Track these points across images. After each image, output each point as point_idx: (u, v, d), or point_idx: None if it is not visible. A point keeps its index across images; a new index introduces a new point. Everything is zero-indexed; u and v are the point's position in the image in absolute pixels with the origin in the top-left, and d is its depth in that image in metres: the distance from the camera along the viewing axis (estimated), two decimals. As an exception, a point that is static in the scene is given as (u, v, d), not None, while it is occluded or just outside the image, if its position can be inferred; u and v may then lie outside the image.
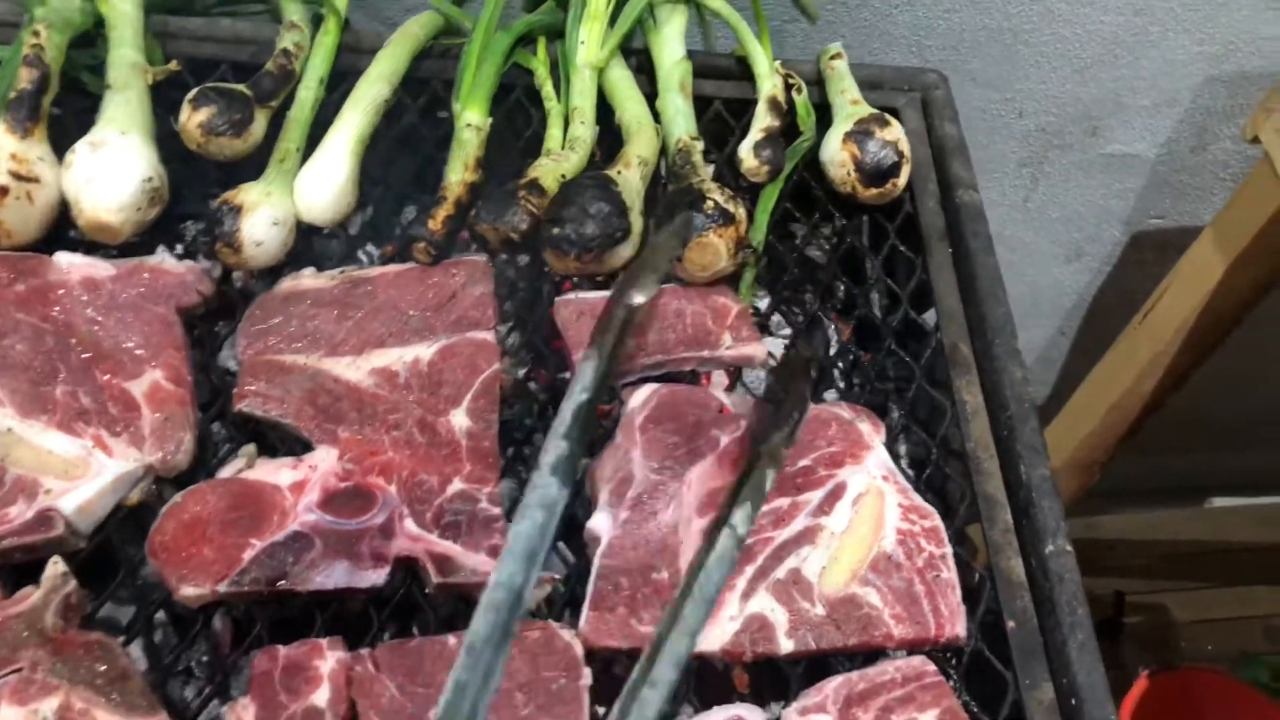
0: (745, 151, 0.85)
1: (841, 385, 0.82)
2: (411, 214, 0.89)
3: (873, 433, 0.73)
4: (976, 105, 1.23)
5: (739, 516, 0.57)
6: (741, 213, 0.77)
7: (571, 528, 0.72)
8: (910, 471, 0.75)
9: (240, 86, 0.82)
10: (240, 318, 0.76)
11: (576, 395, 0.59)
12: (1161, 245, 1.45)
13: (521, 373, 0.82)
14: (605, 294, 0.79)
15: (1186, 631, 1.74)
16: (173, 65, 0.85)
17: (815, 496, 0.70)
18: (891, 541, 0.68)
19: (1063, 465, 1.51)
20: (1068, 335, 1.63)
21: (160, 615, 0.68)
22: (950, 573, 0.67)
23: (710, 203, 0.76)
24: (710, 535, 0.56)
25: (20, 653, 0.60)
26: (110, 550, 0.68)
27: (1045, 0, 1.14)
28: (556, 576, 0.67)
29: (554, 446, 0.57)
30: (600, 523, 0.68)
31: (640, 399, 0.74)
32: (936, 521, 0.69)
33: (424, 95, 0.90)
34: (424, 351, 0.75)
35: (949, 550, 0.68)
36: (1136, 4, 1.15)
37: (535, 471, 0.56)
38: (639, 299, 0.67)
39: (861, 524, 0.69)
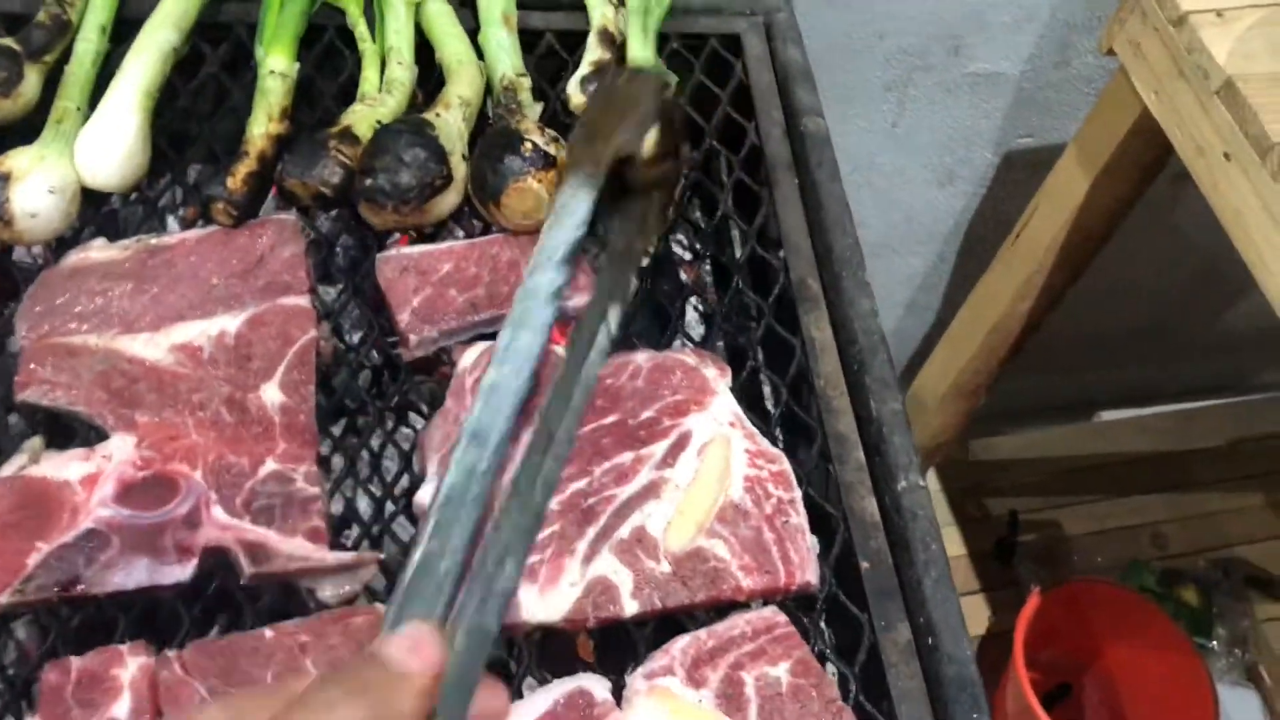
0: (573, 88, 0.80)
1: (694, 330, 0.79)
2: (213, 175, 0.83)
3: (719, 377, 0.70)
4: (835, 29, 1.19)
5: (614, 315, 0.46)
6: (559, 155, 0.72)
7: (410, 501, 0.68)
8: (767, 413, 0.72)
9: (8, 40, 0.74)
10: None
11: (569, 228, 0.46)
12: (1032, 164, 1.44)
13: (357, 338, 0.77)
14: (432, 247, 0.74)
15: (1079, 544, 1.77)
16: None
17: (659, 449, 0.66)
18: (739, 490, 0.65)
19: (947, 390, 1.50)
20: (948, 261, 1.62)
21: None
22: (800, 517, 0.64)
23: (528, 145, 0.71)
24: (583, 331, 0.45)
25: None
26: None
27: (896, -86, 1.11)
28: (381, 557, 0.62)
29: (548, 274, 0.44)
30: (427, 494, 0.64)
31: (471, 359, 0.69)
32: (785, 465, 0.66)
33: (226, 43, 0.83)
34: (230, 323, 0.69)
35: (798, 494, 0.65)
36: (990, -85, 1.12)
37: (527, 297, 0.44)
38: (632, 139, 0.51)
39: (707, 474, 0.65)
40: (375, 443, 0.71)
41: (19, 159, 0.69)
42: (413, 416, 0.78)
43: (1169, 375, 1.98)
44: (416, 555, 0.36)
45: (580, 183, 0.48)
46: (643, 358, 0.70)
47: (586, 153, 0.49)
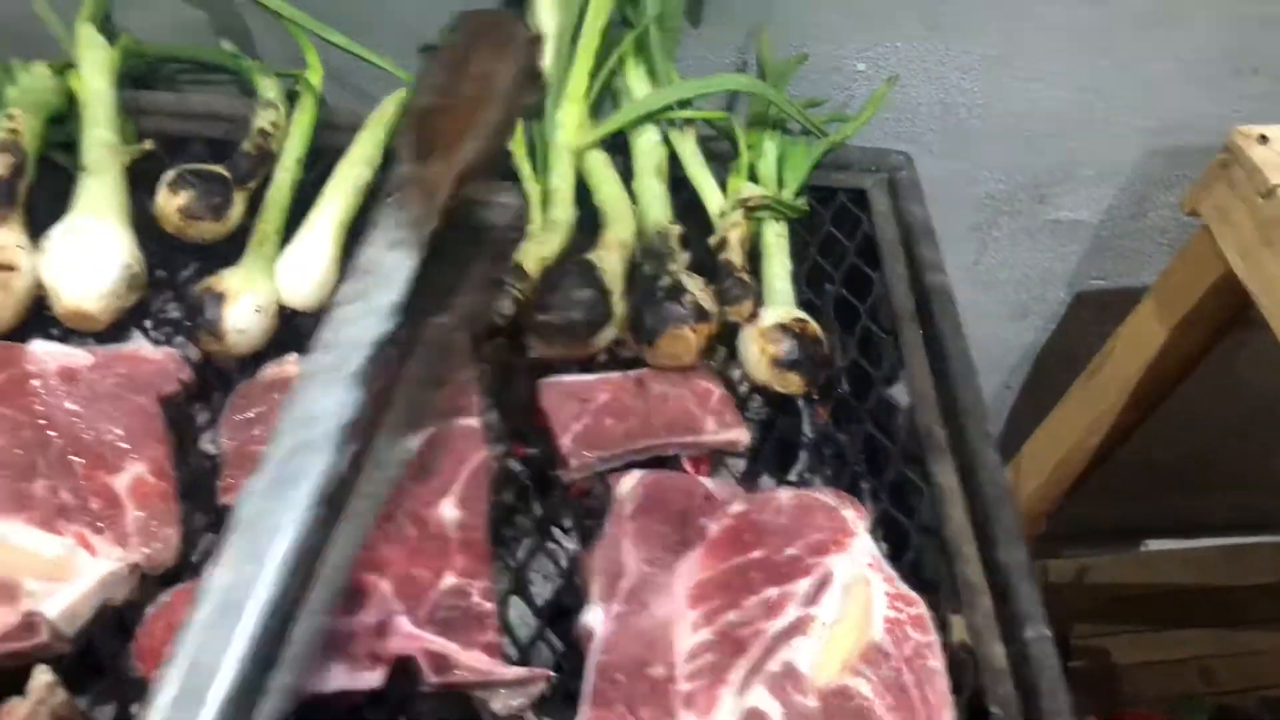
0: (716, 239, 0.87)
1: (820, 469, 0.84)
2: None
3: (857, 519, 0.75)
4: (935, 174, 1.26)
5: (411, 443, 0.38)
6: (717, 310, 0.79)
7: (558, 614, 0.73)
8: (889, 556, 0.77)
9: (218, 168, 0.81)
10: (223, 403, 0.75)
11: (376, 315, 0.37)
12: (1103, 304, 1.50)
13: (500, 450, 0.83)
14: (591, 377, 0.80)
15: (1129, 674, 1.79)
16: (147, 145, 0.84)
17: (804, 586, 0.71)
18: (880, 630, 0.70)
19: (1013, 517, 1.54)
20: (1013, 389, 1.68)
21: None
22: (937, 660, 0.69)
23: (688, 297, 0.78)
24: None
25: (6, 770, 0.58)
26: (91, 648, 0.67)
27: (996, 77, 1.19)
28: (551, 675, 0.67)
29: (334, 394, 0.35)
30: (594, 617, 0.69)
31: (628, 487, 0.75)
32: (922, 609, 0.71)
33: (402, 174, 0.90)
34: (412, 440, 0.75)
35: (935, 638, 0.70)
36: (1082, 83, 1.20)
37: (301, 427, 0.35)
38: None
39: (851, 614, 0.70)
40: (522, 554, 0.77)
41: (231, 280, 0.75)
42: (555, 530, 0.83)
43: (1218, 508, 2.01)
44: None
45: (401, 233, 0.34)
46: (785, 495, 0.76)
47: (416, 178, 0.34)
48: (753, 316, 0.81)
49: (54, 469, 0.69)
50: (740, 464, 0.82)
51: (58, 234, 0.74)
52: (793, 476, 0.83)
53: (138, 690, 0.64)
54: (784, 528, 0.74)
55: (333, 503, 0.34)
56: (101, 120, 0.82)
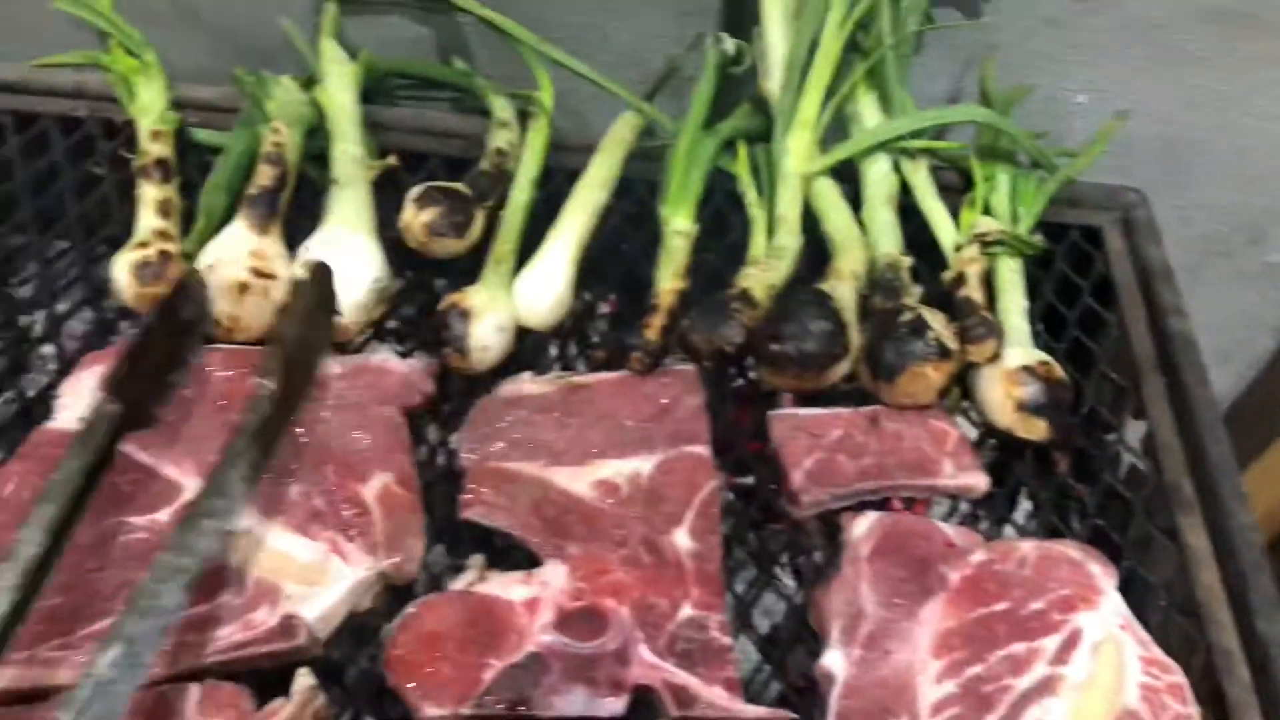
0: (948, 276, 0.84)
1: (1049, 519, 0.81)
2: (603, 312, 0.90)
3: (1105, 576, 0.71)
4: (1147, 212, 1.22)
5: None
6: (958, 348, 0.76)
7: (781, 649, 0.71)
8: (1145, 616, 0.73)
9: (460, 186, 0.83)
10: (450, 416, 0.77)
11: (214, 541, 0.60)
12: (1312, 353, 1.42)
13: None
14: (823, 412, 0.79)
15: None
16: (392, 160, 0.86)
17: (1051, 644, 0.68)
18: (1135, 697, 0.66)
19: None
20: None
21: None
22: (1197, 734, 0.65)
23: (933, 334, 0.75)
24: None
25: (272, 768, 0.59)
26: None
27: (1225, 114, 1.13)
28: (796, 718, 0.66)
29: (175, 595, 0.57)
30: (833, 660, 0.67)
31: (864, 528, 0.73)
32: (1181, 678, 0.67)
33: (628, 197, 0.90)
34: (643, 465, 0.75)
35: (1195, 711, 0.66)
36: (1318, 118, 1.13)
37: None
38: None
39: (1102, 676, 0.67)
40: (741, 586, 0.75)
41: (476, 298, 0.76)
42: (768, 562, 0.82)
43: None
44: None
45: (246, 469, 0.61)
46: (1028, 546, 0.73)
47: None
48: (994, 357, 0.78)
49: (307, 474, 0.71)
50: (958, 505, 0.79)
51: (315, 244, 0.76)
52: (1027, 524, 0.80)
53: (390, 700, 0.65)
54: (1028, 580, 0.71)
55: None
56: (349, 134, 0.84)
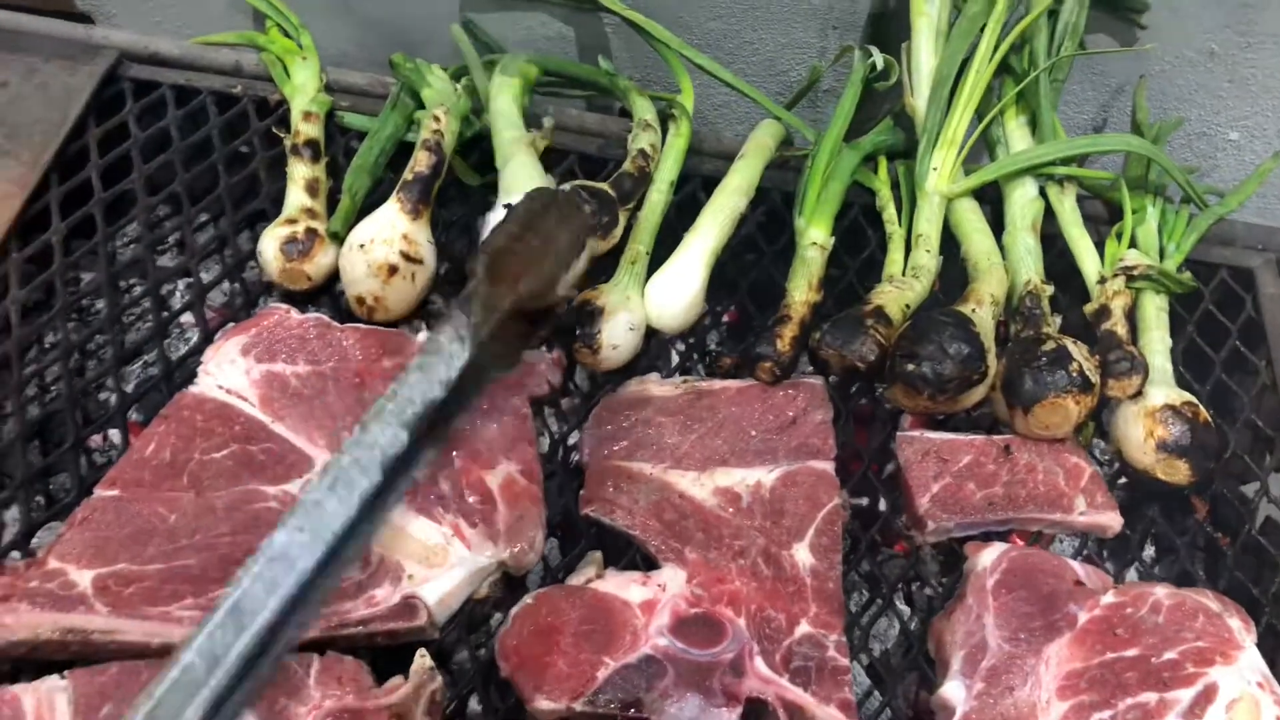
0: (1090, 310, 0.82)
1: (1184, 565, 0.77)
2: (726, 319, 0.89)
3: (1244, 630, 0.68)
4: None
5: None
6: (1099, 381, 0.74)
7: (893, 675, 0.69)
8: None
9: (605, 186, 0.83)
10: (570, 408, 0.77)
11: (431, 384, 0.49)
12: None
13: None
14: (953, 436, 0.77)
15: None
16: (548, 124, 0.86)
17: (1184, 696, 0.65)
18: (1272, 760, 0.63)
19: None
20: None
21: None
22: (1342, 807, 0.62)
23: (1076, 365, 0.73)
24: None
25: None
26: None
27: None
28: (913, 746, 0.64)
29: (389, 430, 0.47)
30: (953, 692, 0.65)
31: (990, 559, 0.71)
32: (1324, 746, 0.64)
33: (764, 205, 0.90)
34: (765, 476, 0.74)
35: (1337, 780, 0.62)
36: None
37: (357, 448, 0.47)
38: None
39: (1238, 735, 0.64)
40: (851, 609, 0.74)
41: (609, 296, 0.77)
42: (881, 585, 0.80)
43: None
44: None
45: (463, 330, 0.49)
46: (1162, 592, 0.70)
47: (483, 294, 0.49)
48: (1137, 395, 0.75)
49: (435, 456, 0.72)
50: (1083, 544, 0.76)
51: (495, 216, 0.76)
52: (1152, 568, 0.77)
53: (496, 689, 0.65)
54: (1162, 628, 0.68)
55: (370, 505, 0.47)
56: (516, 123, 0.85)
